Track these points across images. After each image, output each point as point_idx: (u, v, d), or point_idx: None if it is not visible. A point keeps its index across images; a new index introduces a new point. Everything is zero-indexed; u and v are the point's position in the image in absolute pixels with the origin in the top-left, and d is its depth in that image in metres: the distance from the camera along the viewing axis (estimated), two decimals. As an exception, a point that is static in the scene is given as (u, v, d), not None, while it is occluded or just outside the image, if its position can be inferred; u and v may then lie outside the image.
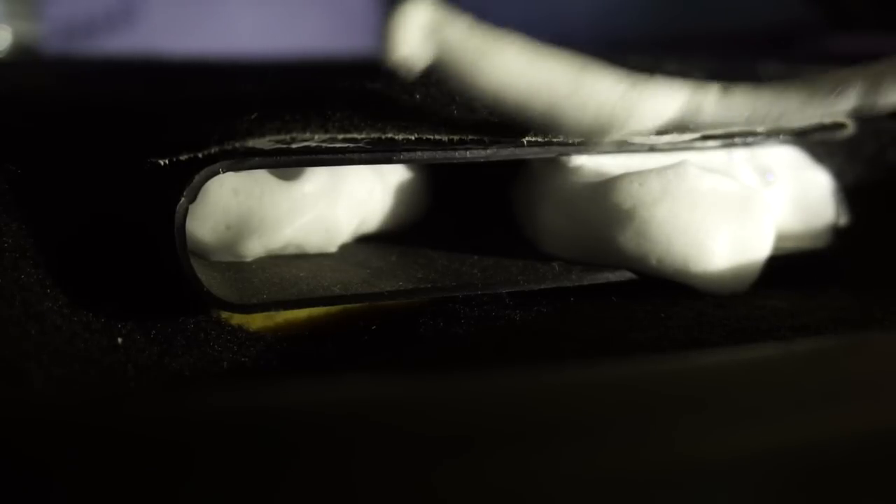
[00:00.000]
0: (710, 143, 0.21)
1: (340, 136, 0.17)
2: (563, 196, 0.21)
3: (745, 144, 0.22)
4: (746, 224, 0.20)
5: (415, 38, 0.16)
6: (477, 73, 0.16)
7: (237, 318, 0.19)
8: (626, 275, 0.21)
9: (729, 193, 0.20)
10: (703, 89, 0.18)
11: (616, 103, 0.17)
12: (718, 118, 0.18)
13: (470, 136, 0.18)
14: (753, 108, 0.18)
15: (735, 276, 0.21)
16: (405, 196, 0.22)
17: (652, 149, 0.20)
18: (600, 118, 0.17)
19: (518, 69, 0.16)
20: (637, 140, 0.20)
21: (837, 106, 0.18)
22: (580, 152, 0.20)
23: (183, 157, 0.17)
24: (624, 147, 0.20)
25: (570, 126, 0.17)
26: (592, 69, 0.17)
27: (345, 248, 0.22)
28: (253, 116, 0.17)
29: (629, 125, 0.17)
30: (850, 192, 0.24)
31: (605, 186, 0.20)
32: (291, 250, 0.21)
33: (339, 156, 0.18)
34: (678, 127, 0.19)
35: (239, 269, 0.20)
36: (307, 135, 0.17)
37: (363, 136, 0.18)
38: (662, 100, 0.17)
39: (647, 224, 0.20)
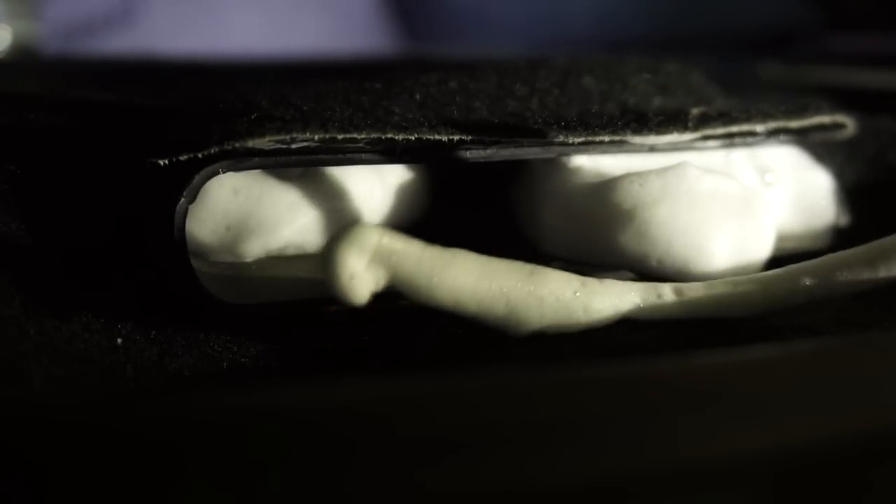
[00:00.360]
0: (711, 143, 0.21)
1: (340, 136, 0.17)
2: (563, 196, 0.21)
3: (746, 145, 0.22)
4: (747, 225, 0.20)
5: (358, 268, 0.16)
6: (433, 290, 0.17)
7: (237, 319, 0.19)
8: (627, 275, 0.21)
9: (729, 194, 0.20)
10: (655, 288, 0.18)
11: (571, 301, 0.18)
12: (675, 313, 0.19)
13: (470, 136, 0.18)
14: (709, 306, 0.19)
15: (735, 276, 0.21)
16: (405, 196, 0.22)
17: (652, 149, 0.20)
18: (559, 315, 0.18)
19: (472, 281, 0.17)
20: (637, 140, 0.20)
21: (791, 302, 0.18)
22: (580, 152, 0.20)
23: (183, 157, 0.17)
24: (624, 147, 0.20)
25: (532, 324, 0.18)
26: (541, 271, 0.18)
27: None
28: (253, 116, 0.17)
29: (587, 319, 0.18)
30: (851, 193, 0.24)
31: (606, 186, 0.20)
32: (291, 250, 0.21)
33: (339, 156, 0.18)
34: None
35: (239, 270, 0.20)
36: (307, 135, 0.17)
37: (363, 136, 0.18)
38: (616, 298, 0.18)
39: (648, 225, 0.20)
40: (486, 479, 0.10)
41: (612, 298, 0.18)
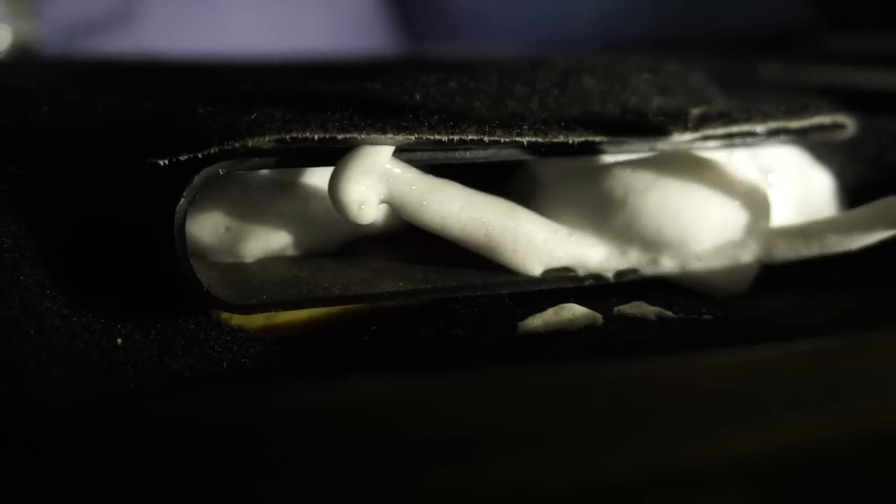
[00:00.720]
0: (711, 143, 0.21)
1: (340, 136, 0.17)
2: (559, 192, 0.21)
3: (746, 145, 0.22)
4: (743, 214, 0.20)
5: (364, 195, 0.18)
6: (422, 212, 0.19)
7: (237, 319, 0.19)
8: (627, 276, 0.21)
9: (728, 183, 0.20)
10: (620, 247, 0.20)
11: (540, 244, 0.20)
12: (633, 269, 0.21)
13: (470, 137, 0.18)
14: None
15: (730, 272, 0.21)
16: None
17: (652, 149, 0.20)
18: (529, 253, 0.20)
19: (457, 208, 0.19)
20: (637, 140, 0.20)
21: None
22: (580, 152, 0.20)
23: (183, 157, 0.17)
24: (624, 147, 0.20)
25: (505, 255, 0.20)
26: (521, 211, 0.20)
27: (345, 248, 0.22)
28: (253, 116, 0.17)
29: (553, 263, 0.20)
30: (851, 193, 0.24)
31: (600, 174, 0.20)
32: (291, 250, 0.21)
33: (339, 156, 0.18)
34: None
35: (239, 270, 0.20)
36: (307, 135, 0.17)
37: (363, 136, 0.18)
38: (586, 249, 0.20)
39: (639, 210, 0.20)
40: (484, 478, 0.10)
41: (578, 248, 0.20)
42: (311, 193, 0.21)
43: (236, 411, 0.12)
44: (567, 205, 0.21)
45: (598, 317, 0.19)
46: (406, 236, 0.22)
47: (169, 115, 0.20)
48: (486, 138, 0.18)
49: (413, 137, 0.18)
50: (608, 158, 0.21)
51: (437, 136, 0.18)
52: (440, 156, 0.19)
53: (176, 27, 0.63)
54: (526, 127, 0.19)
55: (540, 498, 0.10)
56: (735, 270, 0.21)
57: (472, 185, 0.22)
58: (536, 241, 0.20)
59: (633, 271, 0.21)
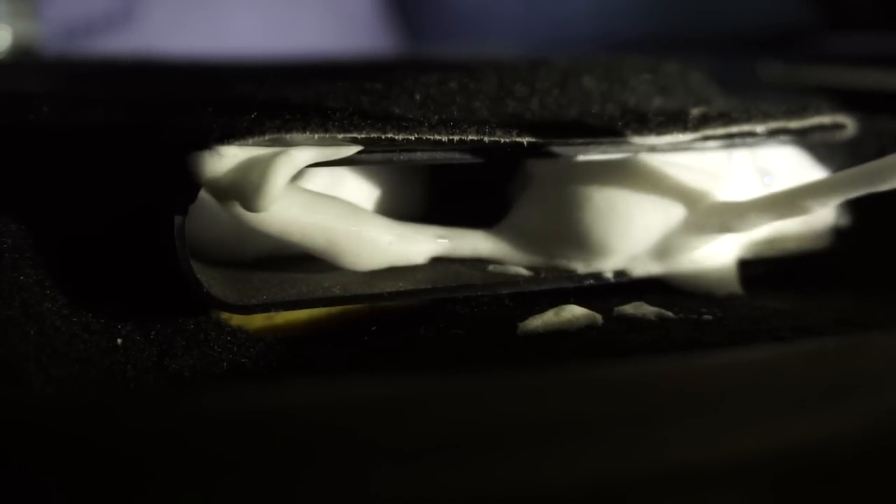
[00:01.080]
0: (711, 143, 0.21)
1: (340, 136, 0.17)
2: (541, 190, 0.21)
3: (746, 145, 0.22)
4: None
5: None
6: (261, 218, 0.18)
7: (237, 319, 0.19)
8: (627, 277, 0.21)
9: (682, 188, 0.20)
10: (464, 234, 0.21)
11: (386, 246, 0.20)
12: (489, 254, 0.21)
13: (470, 137, 0.18)
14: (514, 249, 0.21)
15: (709, 273, 0.21)
16: (403, 196, 0.22)
17: (652, 149, 0.20)
18: (374, 256, 0.20)
19: (296, 212, 0.18)
20: (637, 140, 0.20)
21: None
22: (580, 153, 0.20)
23: (183, 157, 0.17)
24: (624, 147, 0.20)
25: (349, 260, 0.19)
26: (364, 215, 0.20)
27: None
28: (253, 116, 0.17)
29: (401, 262, 0.20)
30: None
31: (563, 174, 0.21)
32: (291, 250, 0.21)
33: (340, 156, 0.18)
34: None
35: (239, 270, 0.20)
36: (307, 134, 0.17)
37: (363, 136, 0.18)
38: (430, 245, 0.20)
39: (583, 209, 0.20)
40: (486, 480, 0.10)
41: (425, 245, 0.20)
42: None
43: (235, 412, 0.12)
44: (542, 203, 0.21)
45: (598, 317, 0.19)
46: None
47: (169, 116, 0.20)
48: (486, 138, 0.18)
49: (413, 137, 0.18)
50: (602, 159, 0.21)
51: (437, 136, 0.18)
52: (440, 156, 0.19)
53: (176, 27, 0.63)
54: (526, 127, 0.19)
55: (540, 499, 0.10)
56: (715, 268, 0.21)
57: (472, 185, 0.22)
58: (381, 243, 0.20)
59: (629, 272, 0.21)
